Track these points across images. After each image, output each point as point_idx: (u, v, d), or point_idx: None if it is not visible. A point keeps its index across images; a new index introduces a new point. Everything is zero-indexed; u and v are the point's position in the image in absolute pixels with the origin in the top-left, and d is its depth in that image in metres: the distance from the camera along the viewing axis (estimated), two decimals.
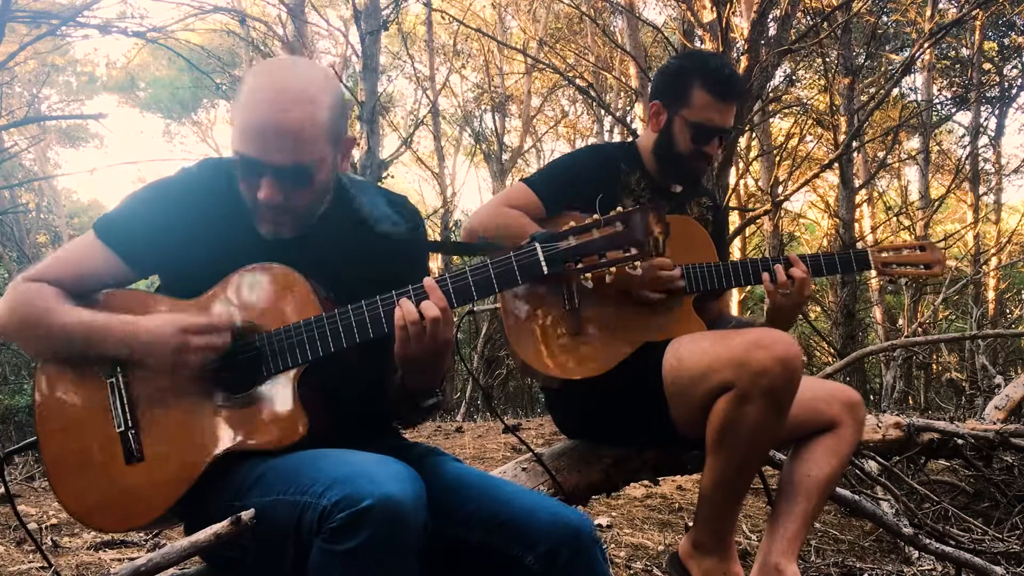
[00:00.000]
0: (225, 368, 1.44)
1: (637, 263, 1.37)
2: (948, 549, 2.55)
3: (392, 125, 14.92)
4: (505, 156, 14.47)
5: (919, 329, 8.52)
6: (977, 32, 11.12)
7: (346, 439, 1.40)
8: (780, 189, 10.56)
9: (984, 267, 11.17)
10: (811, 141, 12.38)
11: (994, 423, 3.26)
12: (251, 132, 1.39)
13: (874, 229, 13.00)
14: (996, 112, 12.62)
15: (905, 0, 10.98)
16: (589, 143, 16.42)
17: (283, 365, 1.41)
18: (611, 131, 15.20)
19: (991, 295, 12.03)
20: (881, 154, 11.93)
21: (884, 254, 2.22)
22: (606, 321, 2.02)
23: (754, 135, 10.58)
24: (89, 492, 1.47)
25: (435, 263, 12.83)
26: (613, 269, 1.36)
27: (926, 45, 7.97)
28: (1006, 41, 12.44)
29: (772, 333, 1.82)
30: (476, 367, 10.75)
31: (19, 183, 13.70)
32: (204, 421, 1.43)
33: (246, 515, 1.28)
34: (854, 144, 8.79)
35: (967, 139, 12.94)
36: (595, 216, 1.38)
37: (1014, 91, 12.42)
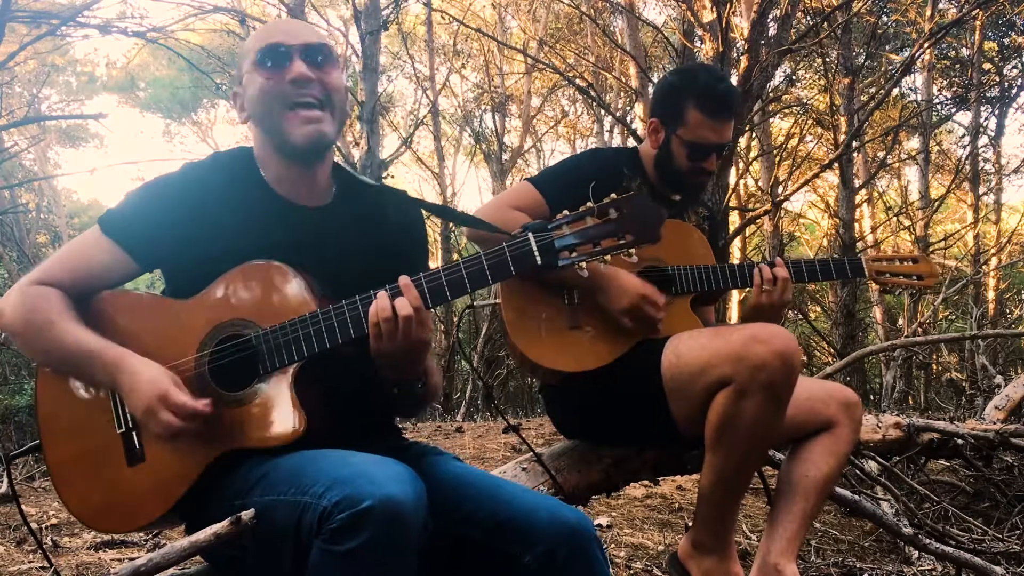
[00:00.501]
0: (222, 367, 1.45)
1: (632, 250, 1.35)
2: (948, 549, 2.55)
3: (392, 125, 14.93)
4: (505, 156, 14.48)
5: (919, 329, 8.52)
6: (977, 32, 11.12)
7: (346, 436, 1.40)
8: (780, 189, 10.57)
9: (984, 267, 11.17)
10: (811, 141, 12.39)
11: (994, 423, 3.26)
12: (272, 30, 1.51)
13: (874, 229, 13.00)
14: (996, 112, 12.63)
15: (905, 0, 10.99)
16: (589, 143, 16.50)
17: (279, 363, 1.41)
18: (611, 131, 15.21)
19: (991, 295, 12.03)
20: (881, 154, 11.93)
21: (878, 263, 2.25)
22: (605, 316, 2.03)
23: (754, 135, 10.59)
24: (92, 494, 1.48)
25: (435, 263, 12.81)
26: (608, 257, 1.34)
27: (926, 45, 7.96)
28: (1006, 41, 12.44)
29: (770, 328, 1.83)
30: (477, 366, 10.75)
31: (19, 183, 13.71)
32: (203, 420, 1.43)
33: (246, 515, 1.28)
34: (854, 144, 8.80)
35: (967, 139, 12.96)
36: (588, 204, 1.36)
37: (1014, 91, 12.44)
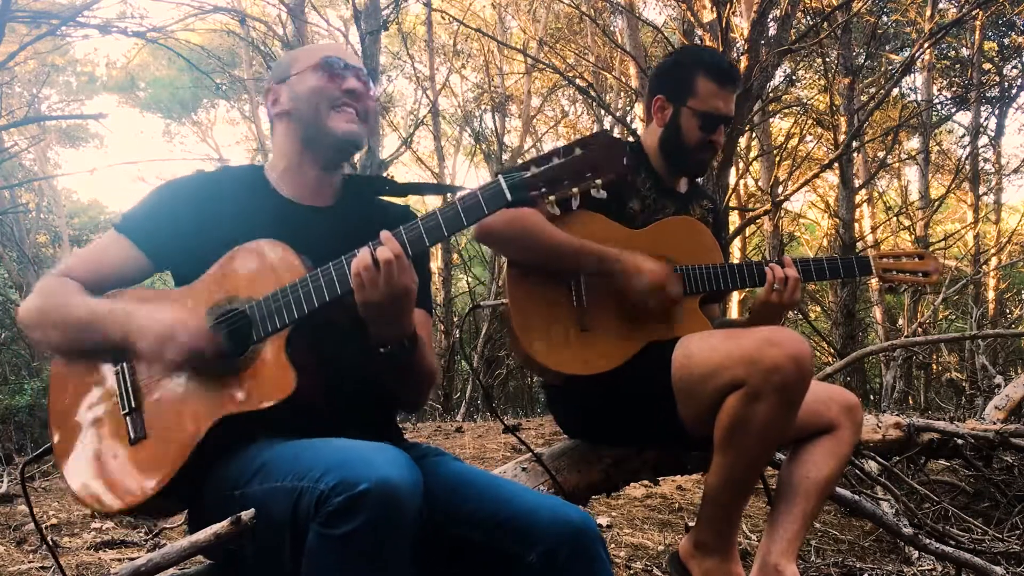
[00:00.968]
0: (220, 339, 1.49)
1: (599, 182, 1.41)
2: (948, 549, 2.55)
3: (392, 125, 14.92)
4: (505, 156, 14.47)
5: (919, 329, 8.52)
6: (977, 32, 11.12)
7: (347, 418, 1.46)
8: (780, 189, 10.57)
9: (984, 267, 11.18)
10: (811, 141, 12.40)
11: (994, 423, 3.26)
12: (336, 48, 1.73)
13: (874, 229, 13.00)
14: (996, 112, 12.63)
15: (905, 0, 10.99)
16: None
17: (271, 328, 1.46)
18: (611, 131, 15.21)
19: (991, 295, 12.02)
20: (881, 154, 11.93)
21: (885, 260, 2.27)
22: (613, 319, 2.02)
23: (754, 135, 10.60)
24: (98, 475, 1.51)
25: (435, 263, 12.84)
26: (576, 190, 1.41)
27: (926, 45, 7.97)
28: (1006, 41, 12.44)
29: (783, 331, 1.83)
30: (476, 367, 10.75)
31: (19, 183, 13.72)
32: (201, 393, 1.47)
33: (246, 515, 1.28)
34: (854, 144, 8.80)
35: (967, 139, 12.95)
36: (555, 146, 1.46)
37: (1014, 91, 12.43)
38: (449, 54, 14.09)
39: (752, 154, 11.38)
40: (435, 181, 14.36)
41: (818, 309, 12.53)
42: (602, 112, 13.43)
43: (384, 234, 1.43)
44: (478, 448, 5.02)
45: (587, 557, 1.34)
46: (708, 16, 5.89)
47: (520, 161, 1.46)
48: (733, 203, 8.11)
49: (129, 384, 1.52)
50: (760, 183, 11.44)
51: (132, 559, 1.64)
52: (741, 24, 6.13)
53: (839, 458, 1.98)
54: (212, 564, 1.61)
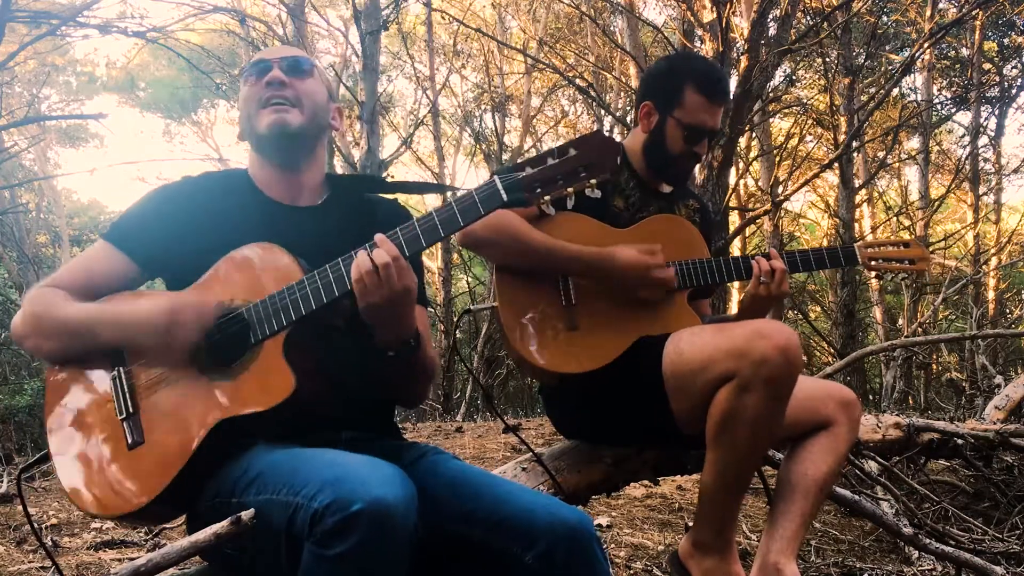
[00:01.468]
0: (216, 342, 1.49)
1: (593, 181, 1.43)
2: (948, 549, 2.55)
3: (392, 125, 14.93)
4: (505, 156, 14.47)
5: (919, 329, 8.52)
6: (977, 32, 11.13)
7: (346, 419, 1.47)
8: (780, 189, 10.58)
9: (984, 267, 11.18)
10: (811, 141, 12.40)
11: (994, 423, 3.26)
12: (260, 54, 1.69)
13: (874, 229, 13.01)
14: (996, 112, 12.63)
15: (905, 0, 10.99)
16: None
17: (269, 330, 1.46)
18: (611, 131, 15.21)
19: (991, 295, 12.03)
20: (881, 154, 11.94)
21: (871, 249, 2.28)
22: (602, 316, 2.03)
23: (754, 135, 10.60)
24: (96, 480, 1.50)
25: (435, 263, 12.84)
26: (570, 189, 1.43)
27: (926, 45, 7.97)
28: (1006, 41, 12.44)
29: (772, 323, 1.83)
30: (476, 367, 10.76)
31: (19, 183, 13.72)
32: (199, 396, 1.46)
33: (246, 515, 1.28)
34: (854, 144, 8.80)
35: (967, 139, 12.96)
36: (550, 147, 1.47)
37: (1014, 91, 12.43)
38: (449, 54, 14.10)
39: (752, 154, 11.39)
40: (435, 181, 14.36)
41: (818, 309, 12.54)
42: (602, 112, 13.43)
43: (379, 237, 1.43)
44: (478, 448, 5.01)
45: (584, 558, 1.34)
46: (708, 16, 5.90)
47: (519, 161, 1.50)
48: (733, 203, 8.11)
49: (126, 388, 1.51)
50: (760, 183, 11.45)
51: (132, 559, 1.64)
52: (741, 24, 6.13)
53: (837, 455, 1.98)
54: (212, 564, 1.61)
